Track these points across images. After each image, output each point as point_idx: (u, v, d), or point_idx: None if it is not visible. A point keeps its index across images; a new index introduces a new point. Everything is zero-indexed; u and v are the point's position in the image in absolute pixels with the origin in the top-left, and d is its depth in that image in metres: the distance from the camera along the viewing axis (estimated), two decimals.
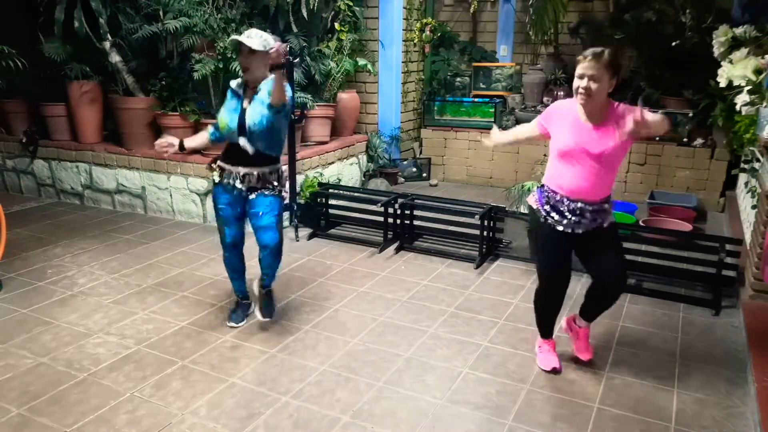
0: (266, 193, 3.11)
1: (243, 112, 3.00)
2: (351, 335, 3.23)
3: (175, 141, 3.15)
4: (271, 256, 3.19)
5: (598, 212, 2.67)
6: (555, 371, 2.89)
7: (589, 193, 2.64)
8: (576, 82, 2.55)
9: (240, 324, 3.33)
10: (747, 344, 3.06)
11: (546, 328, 2.98)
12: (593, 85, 2.49)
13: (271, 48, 2.85)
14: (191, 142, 3.24)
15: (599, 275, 2.80)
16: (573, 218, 2.68)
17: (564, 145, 2.64)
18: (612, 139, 2.55)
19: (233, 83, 3.11)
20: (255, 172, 3.07)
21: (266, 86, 2.98)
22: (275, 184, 3.14)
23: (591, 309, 2.95)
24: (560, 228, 2.71)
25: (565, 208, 2.68)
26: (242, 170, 3.06)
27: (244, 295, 3.43)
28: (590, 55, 2.49)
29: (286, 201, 3.24)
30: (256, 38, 2.91)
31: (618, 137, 2.54)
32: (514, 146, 2.97)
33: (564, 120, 2.66)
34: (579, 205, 2.65)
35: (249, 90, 3.05)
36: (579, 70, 2.52)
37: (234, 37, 2.95)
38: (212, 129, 3.21)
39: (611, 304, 2.90)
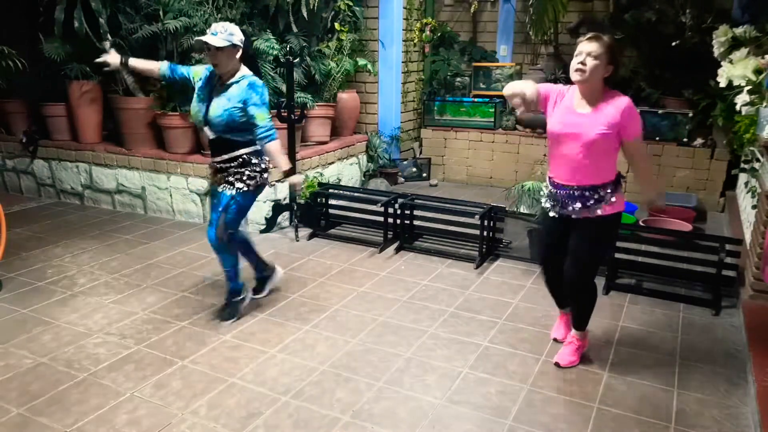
0: (225, 189, 3.16)
1: (210, 102, 3.10)
2: (351, 335, 3.23)
3: (115, 58, 3.28)
4: (214, 249, 3.31)
5: (587, 198, 2.67)
6: (555, 340, 3.14)
7: (576, 178, 2.66)
8: (574, 60, 2.57)
9: (261, 295, 3.63)
10: (747, 344, 3.06)
11: (555, 300, 3.15)
12: (590, 61, 2.51)
13: (238, 39, 2.99)
14: (137, 62, 3.28)
15: (566, 264, 2.85)
16: (560, 202, 2.73)
17: (553, 129, 2.68)
18: (597, 127, 2.57)
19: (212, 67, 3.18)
20: (218, 162, 3.16)
21: (239, 87, 3.04)
22: (236, 173, 3.14)
23: (571, 312, 3.01)
24: (552, 213, 2.79)
25: (555, 192, 2.74)
26: (216, 159, 3.16)
27: (260, 276, 3.65)
28: (591, 35, 2.54)
29: (271, 190, 3.29)
30: (221, 34, 2.96)
31: (604, 126, 2.56)
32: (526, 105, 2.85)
33: (559, 102, 2.70)
34: (565, 190, 2.69)
35: (219, 82, 3.12)
36: (578, 49, 2.56)
37: (198, 38, 3.00)
38: (167, 67, 3.26)
39: (580, 304, 2.92)
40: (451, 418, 2.55)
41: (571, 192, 2.69)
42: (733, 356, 3.06)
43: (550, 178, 2.80)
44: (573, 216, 2.73)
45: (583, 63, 2.53)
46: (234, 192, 3.15)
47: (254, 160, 3.17)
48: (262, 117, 3.02)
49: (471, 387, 2.77)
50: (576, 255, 2.81)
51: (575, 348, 2.97)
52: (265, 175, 3.25)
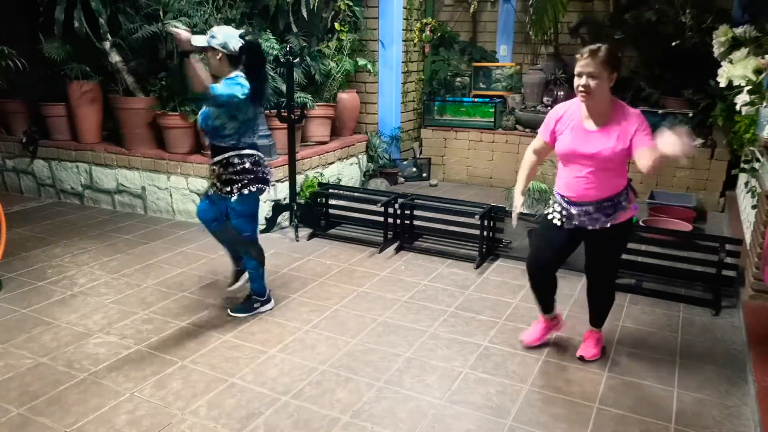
0: (212, 195, 3.22)
1: None
2: (351, 335, 3.23)
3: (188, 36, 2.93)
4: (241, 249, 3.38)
5: (602, 211, 2.67)
6: (521, 342, 3.10)
7: (590, 195, 2.65)
8: (575, 81, 2.56)
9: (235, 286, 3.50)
10: (747, 344, 3.06)
11: (539, 305, 3.07)
12: (592, 83, 2.50)
13: (219, 42, 2.96)
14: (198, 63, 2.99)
15: (586, 270, 2.92)
16: (575, 218, 2.72)
17: (564, 148, 2.67)
18: (611, 143, 2.56)
19: None
20: (213, 165, 3.19)
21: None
22: (223, 178, 3.10)
23: (590, 311, 3.02)
24: (557, 222, 2.78)
25: (568, 209, 2.73)
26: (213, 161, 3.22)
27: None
28: (587, 52, 2.50)
29: (254, 190, 3.16)
30: (207, 35, 2.99)
31: (618, 141, 2.54)
32: (531, 168, 2.99)
33: (566, 122, 2.68)
34: (580, 208, 2.69)
35: None
36: (577, 68, 2.53)
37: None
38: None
39: (602, 304, 2.97)
40: (451, 418, 2.55)
41: (591, 208, 2.67)
42: (733, 356, 3.06)
43: (562, 196, 2.76)
44: (590, 228, 2.71)
45: (585, 86, 2.51)
46: (226, 196, 3.13)
47: (235, 160, 3.08)
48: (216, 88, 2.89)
49: (471, 387, 2.77)
50: (600, 262, 2.85)
51: (596, 340, 3.02)
52: (246, 179, 3.10)
